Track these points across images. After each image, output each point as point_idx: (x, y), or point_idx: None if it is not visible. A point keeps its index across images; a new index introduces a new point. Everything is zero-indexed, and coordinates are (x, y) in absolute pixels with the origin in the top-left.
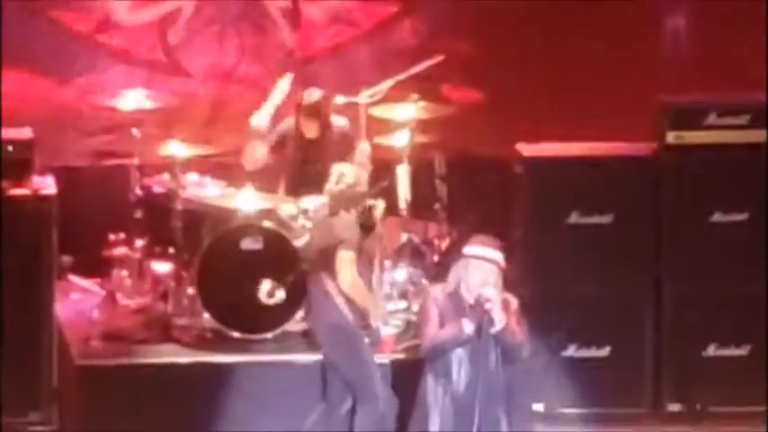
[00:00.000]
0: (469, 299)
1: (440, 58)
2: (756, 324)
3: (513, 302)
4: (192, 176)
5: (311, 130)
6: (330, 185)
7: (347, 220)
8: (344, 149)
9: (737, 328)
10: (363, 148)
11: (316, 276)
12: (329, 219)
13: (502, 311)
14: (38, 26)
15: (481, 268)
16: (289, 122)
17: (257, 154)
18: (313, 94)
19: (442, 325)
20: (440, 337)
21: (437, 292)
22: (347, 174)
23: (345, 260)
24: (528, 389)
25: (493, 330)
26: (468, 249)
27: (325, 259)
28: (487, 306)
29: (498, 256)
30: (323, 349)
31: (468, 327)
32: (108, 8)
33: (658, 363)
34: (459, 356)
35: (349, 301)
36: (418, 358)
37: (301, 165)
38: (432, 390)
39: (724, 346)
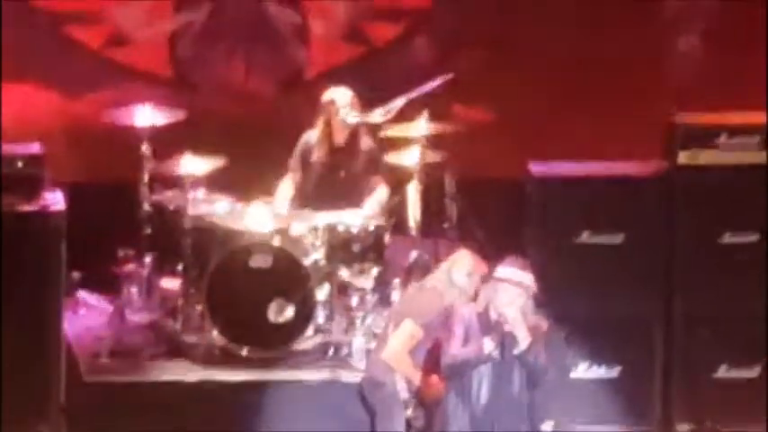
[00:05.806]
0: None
1: (450, 76)
2: (767, 345)
3: (543, 325)
4: (201, 192)
5: (341, 136)
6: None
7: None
8: (371, 168)
9: (748, 349)
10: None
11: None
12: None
13: (527, 333)
14: (49, 41)
15: (509, 290)
16: (311, 134)
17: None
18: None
19: (466, 343)
20: (461, 355)
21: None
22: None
23: (405, 331)
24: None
25: (516, 351)
26: (499, 272)
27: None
28: (507, 327)
29: (528, 278)
30: None
31: (489, 346)
32: (118, 23)
33: (668, 383)
34: (480, 375)
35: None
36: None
37: (328, 172)
38: (452, 407)
39: (734, 367)
